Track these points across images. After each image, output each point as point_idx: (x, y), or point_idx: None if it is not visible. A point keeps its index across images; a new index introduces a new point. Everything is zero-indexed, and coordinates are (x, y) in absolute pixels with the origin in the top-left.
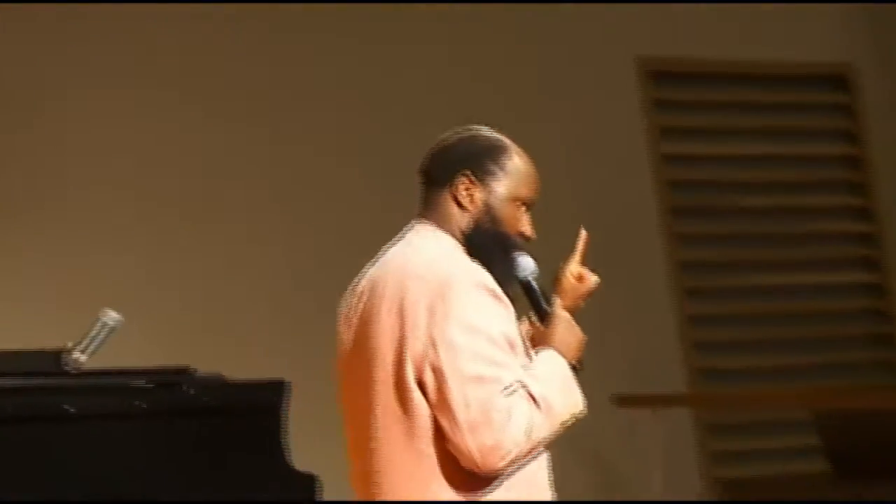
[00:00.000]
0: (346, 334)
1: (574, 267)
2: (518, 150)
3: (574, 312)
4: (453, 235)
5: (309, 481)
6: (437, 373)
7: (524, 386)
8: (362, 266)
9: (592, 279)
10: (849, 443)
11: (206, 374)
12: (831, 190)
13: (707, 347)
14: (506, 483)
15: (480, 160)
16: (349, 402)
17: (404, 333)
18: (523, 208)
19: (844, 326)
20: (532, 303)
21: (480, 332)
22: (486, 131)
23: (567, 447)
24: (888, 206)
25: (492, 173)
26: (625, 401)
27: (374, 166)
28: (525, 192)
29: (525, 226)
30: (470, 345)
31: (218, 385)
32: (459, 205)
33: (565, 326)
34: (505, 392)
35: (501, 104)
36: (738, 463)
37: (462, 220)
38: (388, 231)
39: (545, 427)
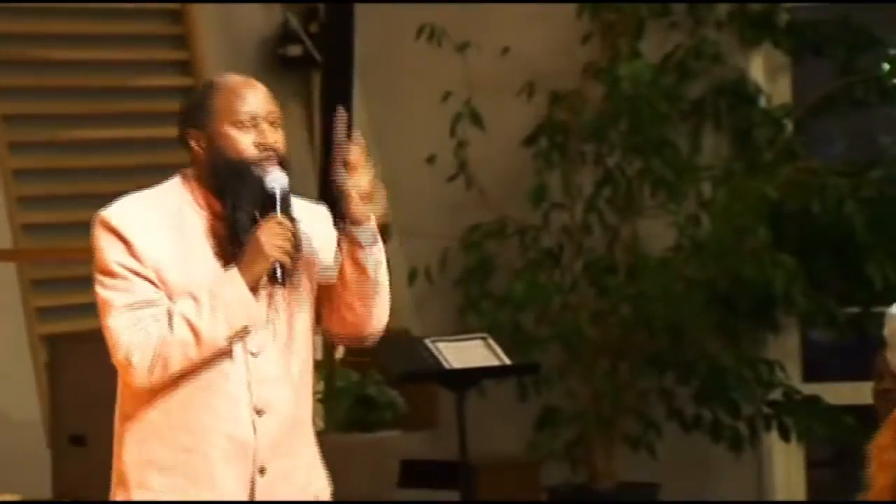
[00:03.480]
0: None
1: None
2: (226, 79)
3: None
4: (200, 184)
5: None
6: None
7: (163, 305)
8: None
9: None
10: None
11: None
12: (153, 43)
13: (29, 202)
14: (161, 404)
15: (192, 113)
16: None
17: None
18: (250, 126)
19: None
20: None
21: (97, 263)
22: (201, 83)
23: None
24: (205, 57)
25: (204, 118)
26: None
27: None
28: (238, 112)
29: (258, 140)
30: (97, 276)
31: None
32: (195, 157)
33: (255, 236)
34: (118, 312)
35: None
36: (60, 318)
37: (200, 169)
38: None
39: (189, 346)
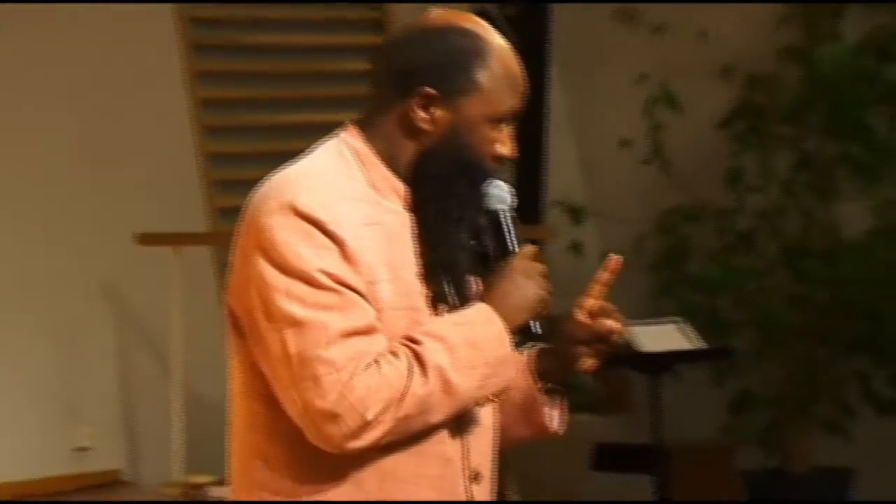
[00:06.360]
0: None
1: (591, 301)
2: (499, 47)
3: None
4: (390, 156)
5: None
6: (252, 318)
7: (412, 342)
8: None
9: (609, 326)
10: None
11: None
12: (352, 28)
13: (227, 185)
14: (353, 473)
15: (448, 71)
16: None
17: (232, 269)
18: (503, 124)
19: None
20: (497, 242)
21: (293, 269)
22: (462, 23)
23: (85, 285)
24: None
25: (463, 89)
26: (147, 239)
27: None
28: (507, 105)
29: (503, 146)
30: (285, 284)
31: None
32: (415, 127)
33: (512, 277)
34: (336, 342)
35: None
36: None
37: (414, 144)
38: None
39: (439, 408)
